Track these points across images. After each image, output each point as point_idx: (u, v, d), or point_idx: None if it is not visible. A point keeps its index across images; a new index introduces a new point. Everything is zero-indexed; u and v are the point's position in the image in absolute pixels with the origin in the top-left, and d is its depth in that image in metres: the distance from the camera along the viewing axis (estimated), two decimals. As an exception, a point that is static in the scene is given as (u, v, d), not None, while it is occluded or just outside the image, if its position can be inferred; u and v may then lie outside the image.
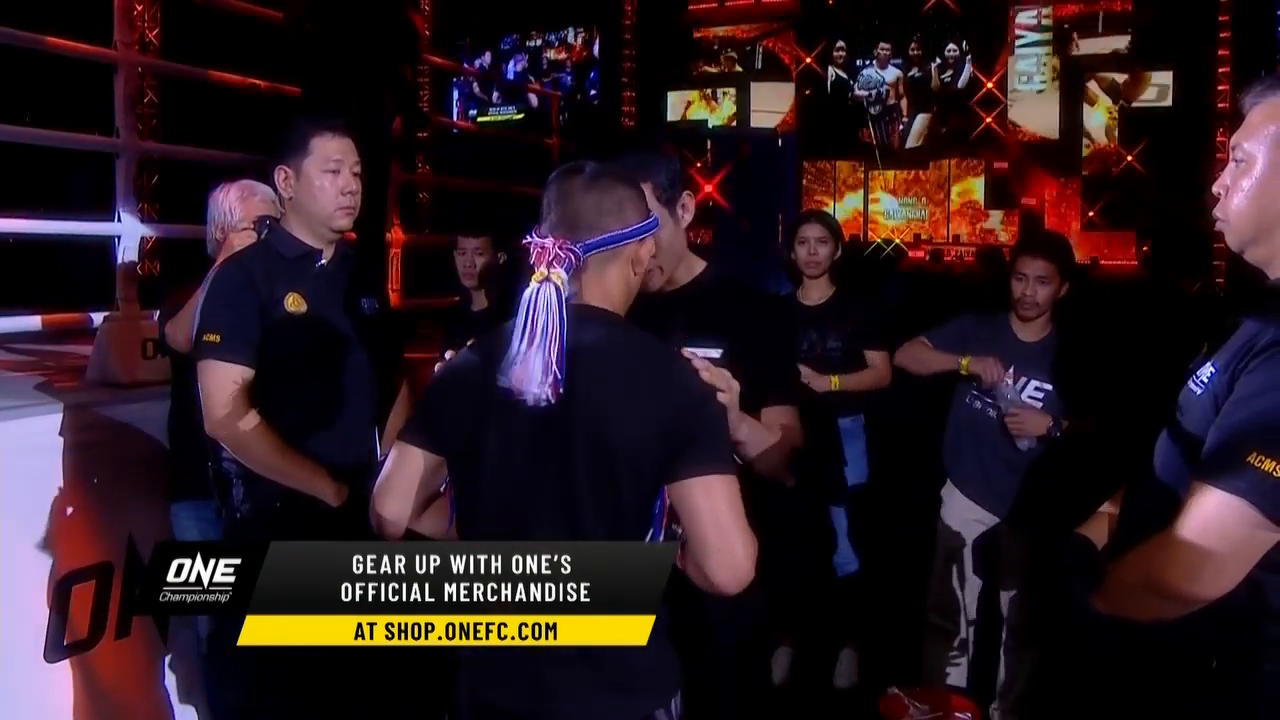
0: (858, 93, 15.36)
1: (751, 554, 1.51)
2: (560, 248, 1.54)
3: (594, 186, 1.59)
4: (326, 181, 2.43)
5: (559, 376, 1.47)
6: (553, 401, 1.48)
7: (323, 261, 2.50)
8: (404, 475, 1.67)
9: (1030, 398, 3.11)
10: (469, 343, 1.69)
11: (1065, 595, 1.66)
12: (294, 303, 2.40)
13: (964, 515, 3.27)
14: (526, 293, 1.50)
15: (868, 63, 15.23)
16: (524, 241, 1.57)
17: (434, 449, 1.65)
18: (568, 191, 1.59)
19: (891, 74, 15.29)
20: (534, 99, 16.54)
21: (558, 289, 1.50)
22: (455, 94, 17.62)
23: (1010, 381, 3.10)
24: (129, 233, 3.60)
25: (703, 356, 1.82)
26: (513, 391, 1.49)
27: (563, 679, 1.54)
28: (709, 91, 16.20)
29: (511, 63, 17.44)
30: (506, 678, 1.57)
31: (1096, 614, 1.59)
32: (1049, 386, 3.11)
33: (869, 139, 15.45)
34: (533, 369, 1.47)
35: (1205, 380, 1.52)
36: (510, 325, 1.54)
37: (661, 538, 1.54)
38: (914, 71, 15.13)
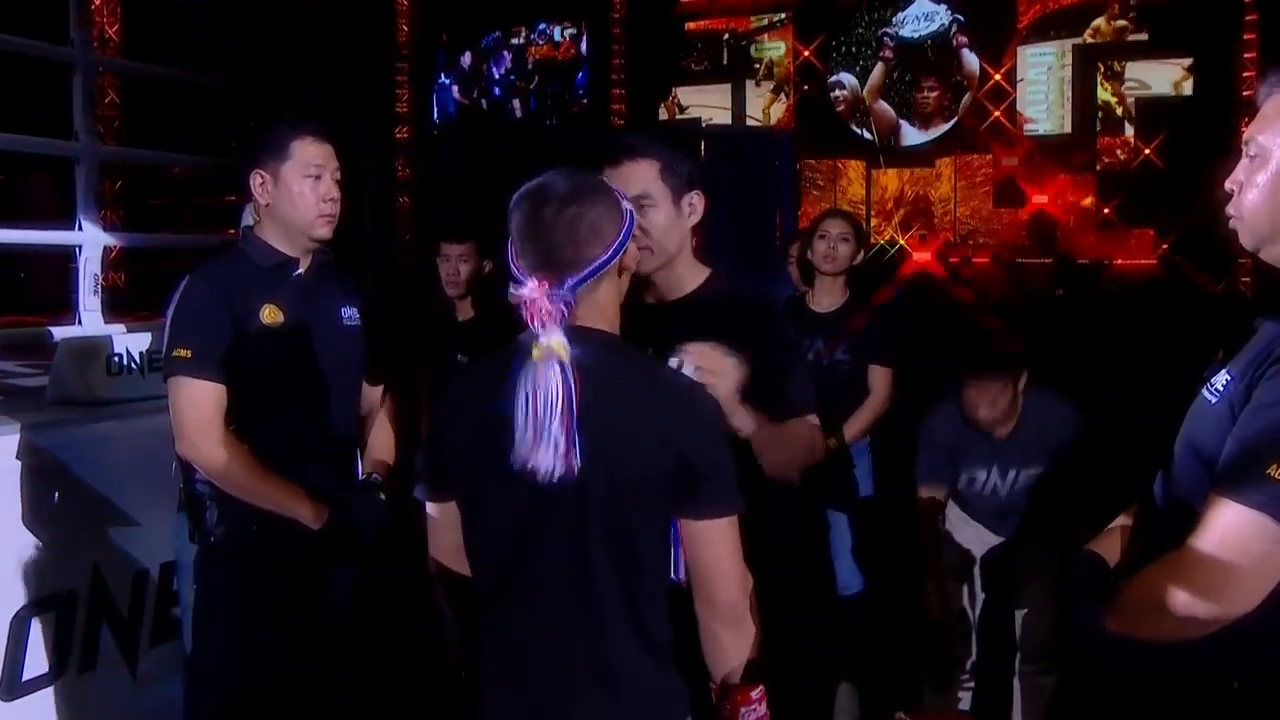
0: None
1: (744, 596, 1.61)
2: (549, 298, 1.54)
3: (564, 215, 1.58)
4: (307, 188, 2.44)
5: (571, 452, 1.50)
6: (566, 475, 1.50)
7: (300, 271, 2.51)
8: (444, 531, 1.73)
9: (1025, 488, 3.12)
10: (464, 371, 1.72)
11: (1074, 615, 1.67)
12: (270, 315, 2.41)
13: (969, 531, 3.26)
14: (529, 369, 1.51)
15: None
16: (510, 297, 1.58)
17: (446, 497, 1.70)
18: (539, 225, 1.58)
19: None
20: (517, 102, 16.46)
21: (562, 365, 1.50)
22: (435, 96, 17.58)
23: None
24: (91, 241, 3.61)
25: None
26: (525, 467, 1.51)
27: (580, 709, 1.58)
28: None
29: (494, 63, 17.38)
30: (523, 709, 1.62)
31: (1108, 635, 1.58)
32: (1041, 469, 3.10)
33: (870, 135, 15.49)
34: (545, 450, 1.49)
35: (1221, 388, 1.52)
36: (511, 358, 1.56)
37: (683, 572, 1.60)
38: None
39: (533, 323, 1.54)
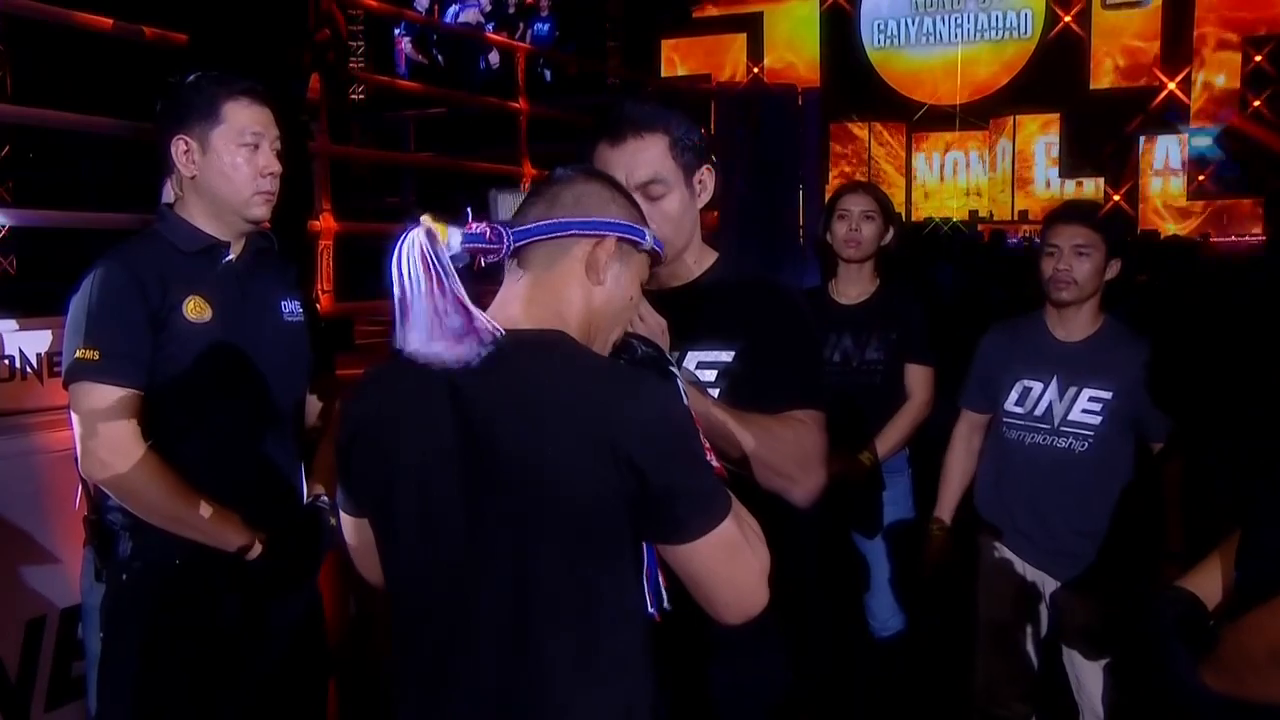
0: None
1: (764, 583, 1.61)
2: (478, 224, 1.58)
3: (553, 182, 1.66)
4: (241, 158, 2.45)
5: (472, 326, 1.50)
6: (474, 361, 1.50)
7: (230, 257, 2.51)
8: (359, 547, 1.77)
9: (1085, 411, 3.12)
10: (364, 385, 1.72)
11: (1164, 668, 1.67)
12: (195, 309, 2.42)
13: (1008, 572, 3.25)
14: (397, 249, 1.51)
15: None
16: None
17: (358, 512, 1.72)
18: (528, 194, 1.68)
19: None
20: (495, 54, 16.14)
21: (429, 233, 1.51)
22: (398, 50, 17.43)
23: None
24: (-30, 220, 3.60)
25: (711, 361, 1.99)
26: (429, 360, 1.52)
27: None
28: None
29: (461, 6, 17.10)
30: None
31: (1207, 692, 1.57)
32: (1108, 394, 3.10)
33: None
34: (424, 330, 1.49)
35: None
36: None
37: (665, 598, 1.60)
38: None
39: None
